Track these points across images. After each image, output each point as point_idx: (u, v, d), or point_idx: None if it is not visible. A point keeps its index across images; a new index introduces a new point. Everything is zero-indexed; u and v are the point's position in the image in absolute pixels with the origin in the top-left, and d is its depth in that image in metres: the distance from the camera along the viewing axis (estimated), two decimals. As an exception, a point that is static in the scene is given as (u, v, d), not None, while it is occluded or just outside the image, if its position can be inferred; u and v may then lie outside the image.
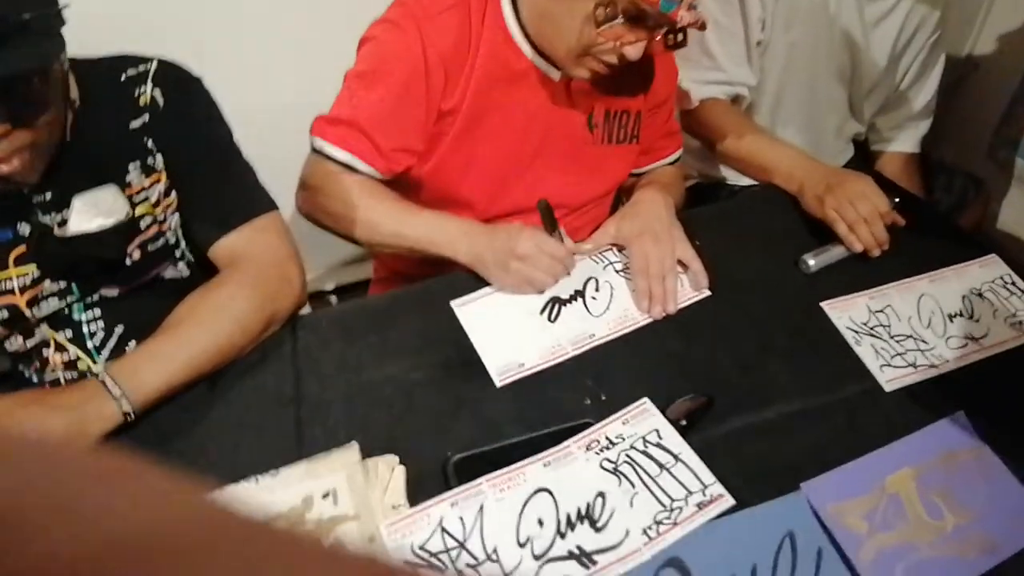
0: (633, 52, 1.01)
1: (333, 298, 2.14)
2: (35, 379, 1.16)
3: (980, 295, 1.08)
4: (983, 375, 0.98)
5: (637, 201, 1.17)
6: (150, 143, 1.06)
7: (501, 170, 1.20)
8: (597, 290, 1.10)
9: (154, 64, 1.07)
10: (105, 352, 1.13)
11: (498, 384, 0.95)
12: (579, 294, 1.08)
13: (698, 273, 1.08)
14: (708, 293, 1.08)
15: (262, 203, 1.11)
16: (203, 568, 0.19)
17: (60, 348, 1.12)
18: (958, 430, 0.90)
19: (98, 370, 1.14)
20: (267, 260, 1.06)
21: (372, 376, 0.97)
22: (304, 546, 0.23)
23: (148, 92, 1.05)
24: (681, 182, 1.38)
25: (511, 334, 1.02)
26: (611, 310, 1.07)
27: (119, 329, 1.13)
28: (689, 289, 1.09)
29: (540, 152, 1.20)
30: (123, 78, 1.06)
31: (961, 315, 1.05)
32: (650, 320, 1.05)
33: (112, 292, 1.12)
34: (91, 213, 1.04)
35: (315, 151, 1.14)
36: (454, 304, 1.05)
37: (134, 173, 1.06)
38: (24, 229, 1.03)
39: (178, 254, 1.15)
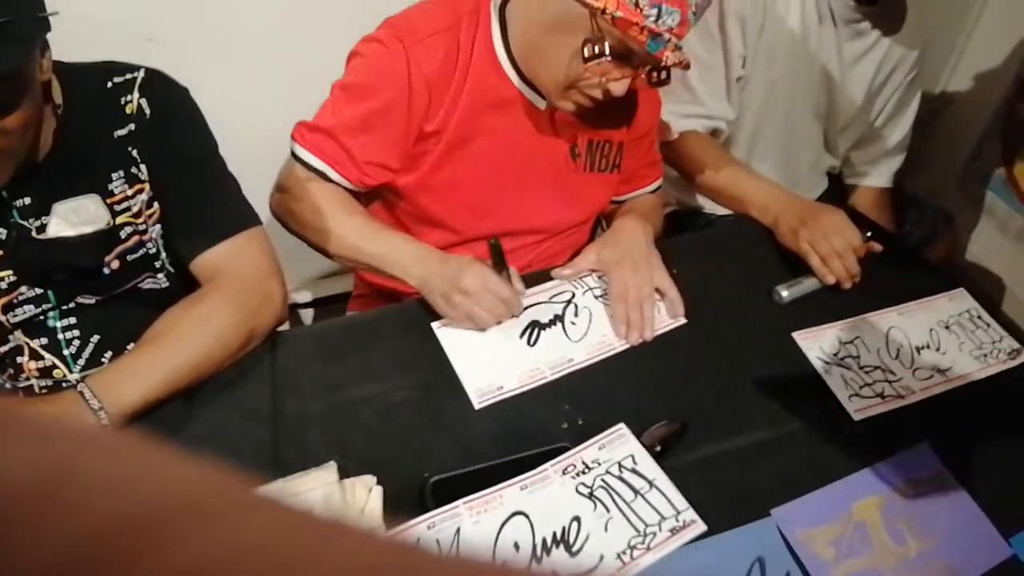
0: (618, 88, 1.03)
1: (309, 311, 2.14)
2: (7, 385, 1.15)
3: (947, 327, 1.11)
4: (948, 406, 1.01)
5: (617, 229, 1.19)
6: (135, 152, 1.05)
7: (482, 193, 1.21)
8: (576, 315, 1.11)
9: (141, 73, 1.07)
10: (81, 361, 1.13)
11: (477, 406, 0.96)
12: (558, 319, 1.10)
13: (674, 301, 1.10)
14: (684, 320, 1.11)
15: (246, 217, 1.11)
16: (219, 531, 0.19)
17: (35, 355, 1.12)
18: (923, 459, 0.93)
19: (74, 378, 1.14)
20: (249, 275, 1.06)
21: (351, 395, 0.98)
22: (318, 523, 0.22)
23: (135, 101, 1.05)
24: (659, 210, 1.40)
25: (491, 357, 1.03)
26: (589, 335, 1.08)
27: (95, 338, 1.13)
28: (666, 316, 1.12)
29: (523, 178, 1.22)
30: (110, 85, 1.05)
31: (928, 347, 1.08)
32: (627, 346, 1.07)
33: (89, 300, 1.11)
34: (71, 220, 1.04)
35: (293, 155, 1.17)
36: (435, 326, 1.06)
37: (118, 182, 1.05)
38: (1, 233, 1.03)
39: (158, 265, 1.15)
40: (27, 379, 1.13)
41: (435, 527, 0.80)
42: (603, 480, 0.84)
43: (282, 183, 1.20)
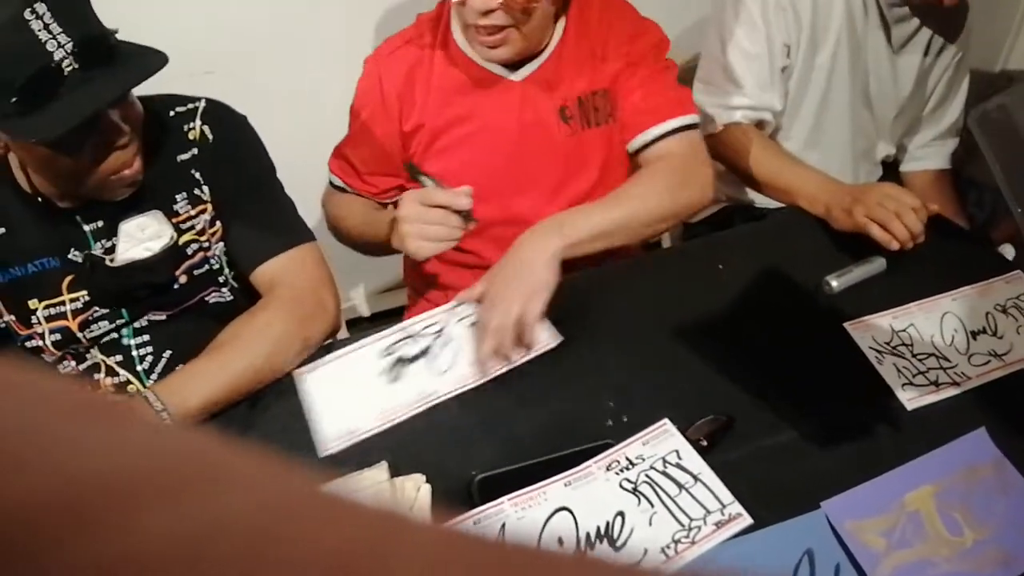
0: (477, 2, 1.08)
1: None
2: None
3: (1004, 311, 1.08)
4: (1005, 391, 0.98)
5: (515, 246, 1.12)
6: (198, 175, 1.13)
7: (480, 178, 1.23)
8: (445, 346, 1.08)
9: (203, 103, 1.16)
10: (154, 376, 1.19)
11: (321, 454, 0.95)
12: (424, 352, 1.07)
13: (531, 337, 1.04)
14: (554, 344, 1.06)
15: (300, 233, 1.19)
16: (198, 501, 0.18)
17: (111, 372, 1.19)
18: (978, 446, 0.91)
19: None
20: (303, 286, 1.12)
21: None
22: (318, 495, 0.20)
23: (198, 128, 1.13)
24: (673, 173, 1.21)
25: (349, 401, 1.01)
26: (455, 367, 1.04)
27: (167, 354, 1.19)
28: (546, 339, 1.07)
29: (518, 155, 1.26)
30: (171, 114, 1.13)
31: (984, 332, 1.05)
32: (491, 378, 1.02)
33: (160, 316, 1.18)
34: (137, 239, 1.11)
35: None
36: (298, 373, 1.05)
37: (181, 203, 1.13)
38: (76, 256, 1.10)
39: (222, 279, 1.21)
40: (103, 395, 1.21)
41: (480, 523, 0.82)
42: (647, 475, 0.84)
43: (323, 203, 1.41)
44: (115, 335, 1.18)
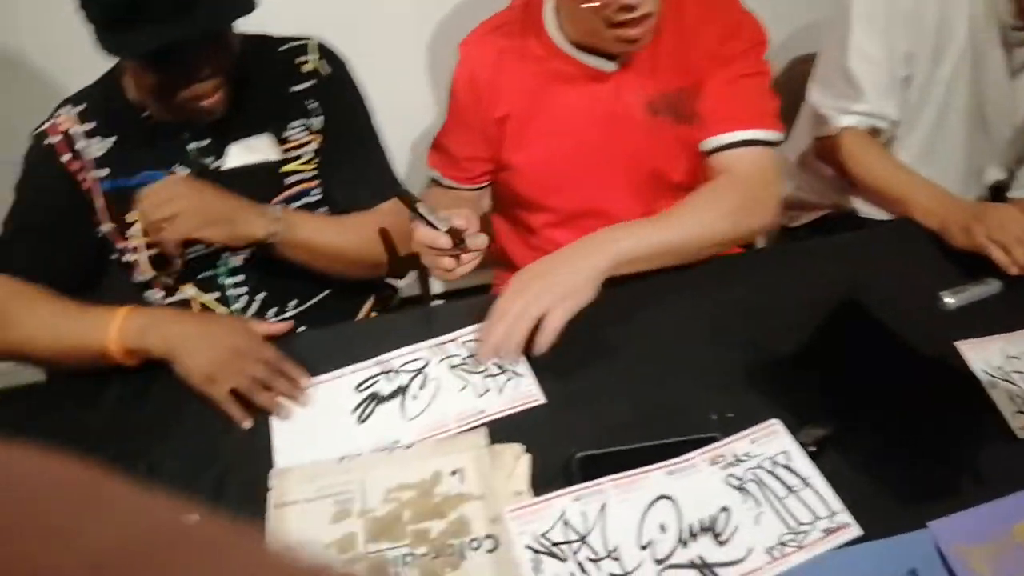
0: None
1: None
2: None
3: None
4: None
5: (565, 248, 1.07)
6: (314, 105, 1.17)
7: (562, 171, 1.26)
8: (422, 387, 1.01)
9: (313, 40, 1.20)
10: (248, 316, 1.21)
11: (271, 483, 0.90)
12: (402, 390, 1.01)
13: (541, 343, 0.99)
14: (541, 401, 0.98)
15: (395, 186, 1.25)
16: None
17: (205, 309, 1.21)
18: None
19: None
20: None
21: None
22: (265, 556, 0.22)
23: (314, 61, 1.18)
24: (733, 194, 1.14)
25: (314, 432, 0.97)
26: (426, 414, 0.98)
27: (261, 295, 1.21)
28: (524, 392, 0.99)
29: (603, 147, 1.24)
30: (280, 49, 1.17)
31: (1105, 369, 1.01)
32: (460, 429, 0.95)
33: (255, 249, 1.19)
34: (245, 155, 1.14)
35: None
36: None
37: (294, 130, 1.18)
38: (181, 172, 1.13)
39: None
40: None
41: (581, 499, 0.82)
42: (754, 473, 0.83)
43: None
44: (211, 272, 1.19)
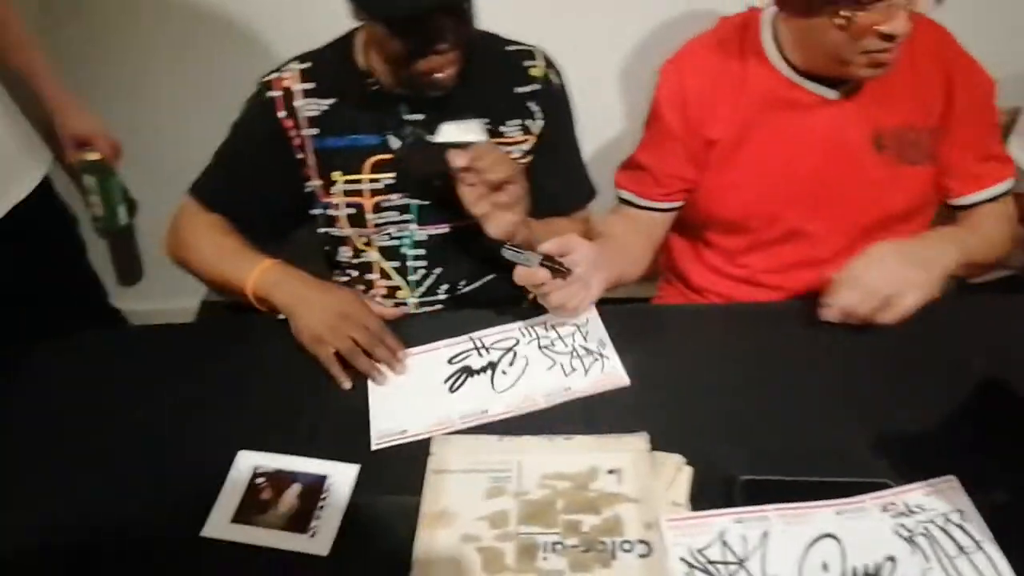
0: (898, 26, 1.01)
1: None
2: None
3: None
4: None
5: (905, 242, 1.11)
6: (535, 108, 1.21)
7: (771, 195, 1.23)
8: (511, 364, 1.07)
9: (539, 48, 1.24)
10: (421, 288, 1.27)
11: (373, 447, 0.97)
12: (492, 366, 1.07)
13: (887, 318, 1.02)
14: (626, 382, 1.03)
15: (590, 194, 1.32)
16: None
17: (385, 275, 1.27)
18: None
19: (412, 302, 1.28)
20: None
21: (670, 373, 1.03)
22: None
23: (541, 68, 1.22)
24: (990, 225, 1.22)
25: (407, 399, 1.03)
26: (515, 388, 1.04)
27: (438, 271, 1.26)
28: (609, 374, 1.05)
29: (818, 174, 1.20)
30: (507, 49, 1.20)
31: None
32: (547, 406, 1.00)
33: (442, 229, 1.24)
34: (456, 134, 1.18)
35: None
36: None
37: (511, 127, 1.22)
38: (393, 143, 1.18)
39: None
40: (373, 297, 1.28)
41: (743, 522, 0.81)
42: (926, 527, 0.80)
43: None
44: (396, 243, 1.25)
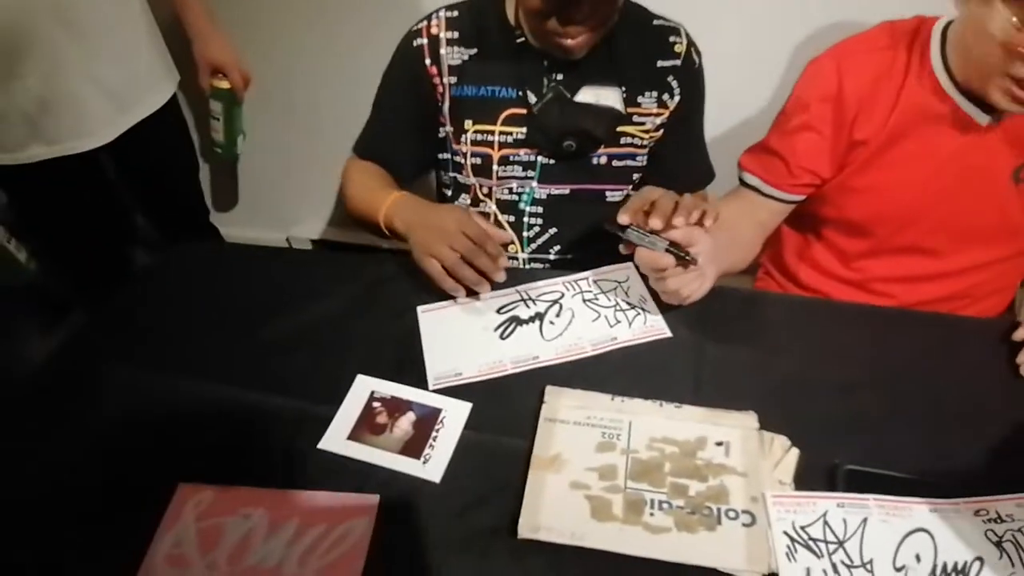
0: None
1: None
2: None
3: None
4: None
5: None
6: (674, 83, 1.24)
7: (906, 203, 1.24)
8: (558, 315, 1.14)
9: (683, 26, 1.26)
10: (534, 245, 1.31)
11: (431, 388, 1.04)
12: (539, 316, 1.14)
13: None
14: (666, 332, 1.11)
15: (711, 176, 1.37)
16: None
17: (499, 226, 1.31)
18: None
19: (523, 257, 1.33)
20: None
21: (786, 355, 1.08)
22: None
23: (684, 45, 1.25)
24: None
25: (459, 344, 1.10)
26: (562, 337, 1.10)
27: (552, 230, 1.31)
28: (652, 325, 1.12)
29: (953, 194, 1.22)
30: (654, 24, 1.23)
31: None
32: (596, 352, 1.08)
33: (563, 190, 1.29)
34: (594, 97, 1.22)
35: (739, 180, 1.34)
36: (420, 309, 1.16)
37: (648, 99, 1.25)
38: (531, 98, 1.22)
39: (634, 178, 1.31)
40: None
41: (844, 507, 0.86)
42: (1014, 535, 0.85)
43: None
44: (515, 198, 1.30)
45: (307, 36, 2.06)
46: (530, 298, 1.18)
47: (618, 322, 1.13)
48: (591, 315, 1.15)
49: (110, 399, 1.06)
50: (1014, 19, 0.99)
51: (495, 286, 1.16)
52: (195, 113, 2.00)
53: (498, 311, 1.16)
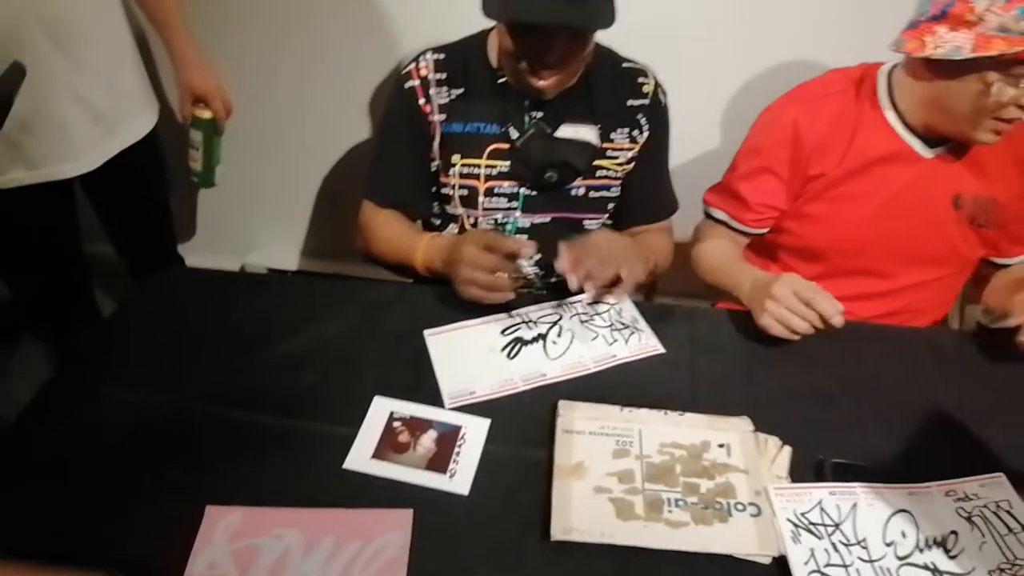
0: None
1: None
2: None
3: None
4: None
5: None
6: (643, 121, 1.34)
7: (859, 230, 1.39)
8: (559, 336, 1.24)
9: (651, 68, 1.38)
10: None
11: (447, 407, 1.11)
12: (542, 337, 1.24)
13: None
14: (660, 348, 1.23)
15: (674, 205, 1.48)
16: None
17: None
18: None
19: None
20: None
21: (768, 367, 1.20)
22: None
23: (652, 86, 1.37)
24: None
25: (470, 365, 1.17)
26: (566, 356, 1.20)
27: (536, 256, 1.39)
28: (646, 343, 1.23)
29: (902, 223, 1.38)
30: (624, 65, 1.34)
31: None
32: (598, 369, 1.18)
33: (543, 219, 1.38)
34: (572, 134, 1.32)
35: (705, 214, 1.52)
36: (426, 333, 1.24)
37: (620, 135, 1.36)
38: (513, 133, 1.31)
39: (604, 210, 1.42)
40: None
41: (836, 495, 0.98)
42: (981, 511, 0.98)
43: (696, 233, 1.54)
44: (500, 228, 1.39)
45: (279, 63, 2.12)
46: (532, 320, 1.27)
47: (615, 340, 1.23)
48: (590, 335, 1.25)
49: (120, 427, 1.07)
50: (986, 88, 1.16)
51: (500, 308, 1.25)
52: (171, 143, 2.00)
53: (502, 333, 1.24)
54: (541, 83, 1.24)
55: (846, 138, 1.34)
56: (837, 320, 1.13)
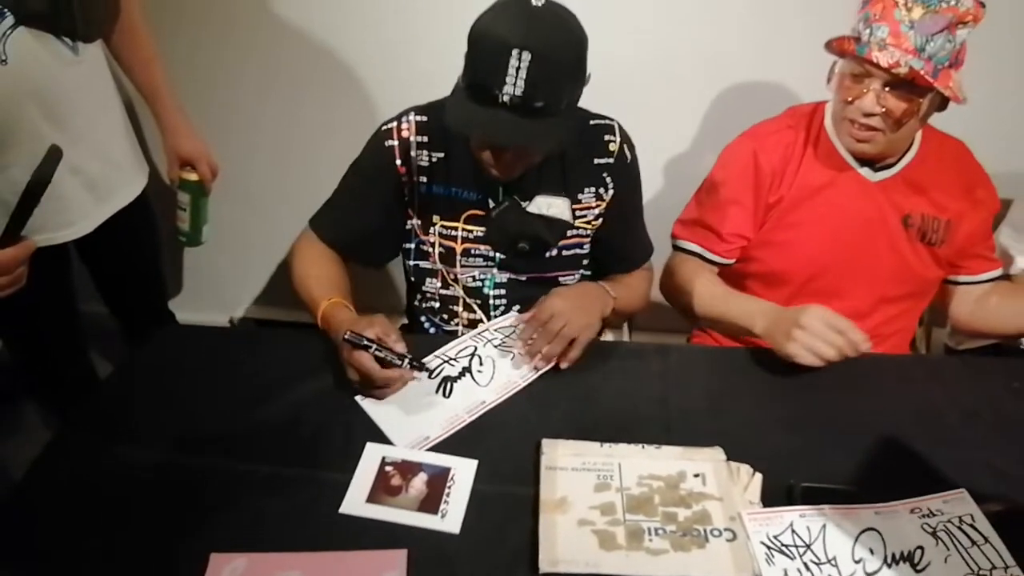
0: (866, 103, 1.31)
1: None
2: (432, 326, 1.52)
3: None
4: None
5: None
6: (608, 179, 1.40)
7: (815, 255, 1.49)
8: (481, 364, 1.32)
9: (616, 123, 1.43)
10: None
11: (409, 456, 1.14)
12: (466, 370, 1.30)
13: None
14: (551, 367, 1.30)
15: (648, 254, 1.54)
16: None
17: (468, 308, 1.47)
18: None
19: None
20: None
21: (736, 398, 1.26)
22: None
23: (618, 143, 1.41)
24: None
25: (412, 414, 1.22)
26: (495, 379, 1.28)
27: (516, 308, 1.46)
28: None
29: (856, 243, 1.48)
30: (591, 123, 1.40)
31: None
32: (532, 379, 1.28)
33: (520, 277, 1.44)
34: (545, 208, 1.38)
35: (674, 246, 1.60)
36: (358, 398, 1.25)
37: (587, 195, 1.40)
38: (490, 203, 1.37)
39: (582, 263, 1.48)
40: (456, 324, 1.48)
41: (806, 517, 1.03)
42: (945, 526, 1.03)
43: (667, 267, 1.61)
44: (479, 284, 1.45)
45: (261, 120, 2.19)
46: (451, 358, 1.33)
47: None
48: (508, 355, 1.33)
49: (125, 482, 1.12)
50: (847, 71, 1.31)
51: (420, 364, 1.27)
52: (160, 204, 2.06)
53: (430, 377, 1.29)
54: (495, 173, 1.29)
55: (796, 166, 1.46)
56: (865, 346, 1.22)
